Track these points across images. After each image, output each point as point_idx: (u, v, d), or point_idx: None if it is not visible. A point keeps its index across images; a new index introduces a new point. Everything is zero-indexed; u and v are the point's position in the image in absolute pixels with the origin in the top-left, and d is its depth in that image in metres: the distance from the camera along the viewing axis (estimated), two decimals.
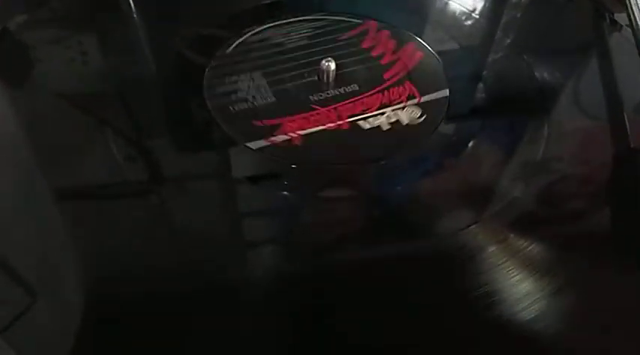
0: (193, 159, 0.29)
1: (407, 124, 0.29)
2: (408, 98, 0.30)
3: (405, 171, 0.28)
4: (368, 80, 0.31)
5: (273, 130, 0.28)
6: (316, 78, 0.31)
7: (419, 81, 0.31)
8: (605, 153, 0.29)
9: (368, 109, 0.30)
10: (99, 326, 0.21)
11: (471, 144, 0.29)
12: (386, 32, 0.34)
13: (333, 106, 0.30)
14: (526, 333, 0.21)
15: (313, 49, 0.33)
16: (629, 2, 0.32)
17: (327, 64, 0.30)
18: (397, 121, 0.29)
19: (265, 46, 0.33)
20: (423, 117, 0.29)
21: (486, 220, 0.25)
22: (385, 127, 0.29)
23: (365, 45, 0.33)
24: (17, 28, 0.33)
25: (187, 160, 0.29)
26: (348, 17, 0.35)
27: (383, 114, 0.29)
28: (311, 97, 0.30)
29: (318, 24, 0.35)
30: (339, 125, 0.29)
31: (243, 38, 0.34)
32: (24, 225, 0.24)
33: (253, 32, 0.34)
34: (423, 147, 0.29)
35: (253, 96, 0.30)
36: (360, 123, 0.29)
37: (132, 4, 0.36)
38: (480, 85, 0.33)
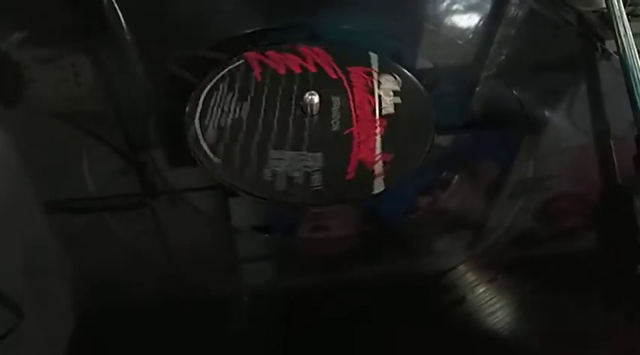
0: (178, 176, 0.29)
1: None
2: None
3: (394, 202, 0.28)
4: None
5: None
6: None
7: None
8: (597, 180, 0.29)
9: None
10: (89, 340, 0.22)
11: (457, 175, 0.29)
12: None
13: None
14: None
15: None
16: (618, 31, 0.32)
17: (310, 97, 0.30)
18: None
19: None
20: None
21: (476, 258, 0.25)
22: None
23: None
24: (10, 48, 0.34)
25: (173, 178, 0.29)
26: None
27: None
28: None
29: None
30: None
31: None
32: (15, 242, 0.24)
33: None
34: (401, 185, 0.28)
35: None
36: None
37: (124, 25, 0.36)
38: (470, 116, 0.33)
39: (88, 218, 0.26)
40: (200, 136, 0.29)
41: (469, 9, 0.40)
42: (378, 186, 0.27)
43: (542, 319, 0.23)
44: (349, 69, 0.33)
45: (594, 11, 0.37)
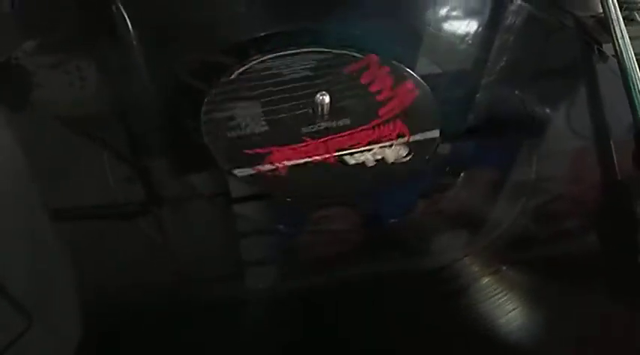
0: (187, 182, 0.29)
1: (392, 162, 0.30)
2: (398, 136, 0.31)
3: (395, 204, 0.29)
4: (362, 115, 0.32)
5: (261, 159, 0.29)
6: (311, 110, 0.31)
7: (411, 120, 0.32)
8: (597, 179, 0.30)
9: (357, 144, 0.30)
10: (96, 347, 0.22)
11: (461, 176, 0.30)
12: (386, 68, 0.35)
13: (324, 140, 0.30)
14: None
15: (312, 82, 0.33)
16: (615, 34, 0.33)
17: (321, 97, 0.31)
18: (383, 159, 0.30)
19: (266, 75, 0.34)
20: (410, 157, 0.30)
21: (479, 251, 0.26)
22: (370, 164, 0.29)
23: (364, 80, 0.34)
24: (17, 53, 0.33)
25: (181, 183, 0.29)
26: (350, 51, 0.36)
27: (370, 150, 0.30)
28: (304, 129, 0.31)
29: (320, 56, 0.35)
30: (326, 158, 0.29)
31: (245, 66, 0.34)
32: (21, 248, 0.24)
33: (255, 61, 0.35)
34: (407, 186, 0.29)
35: (247, 125, 0.30)
36: (346, 157, 0.29)
37: (131, 29, 0.36)
38: (472, 120, 0.34)
39: (96, 223, 0.26)
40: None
41: (469, 14, 0.41)
42: None
43: (544, 315, 0.24)
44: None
45: (592, 16, 0.38)
